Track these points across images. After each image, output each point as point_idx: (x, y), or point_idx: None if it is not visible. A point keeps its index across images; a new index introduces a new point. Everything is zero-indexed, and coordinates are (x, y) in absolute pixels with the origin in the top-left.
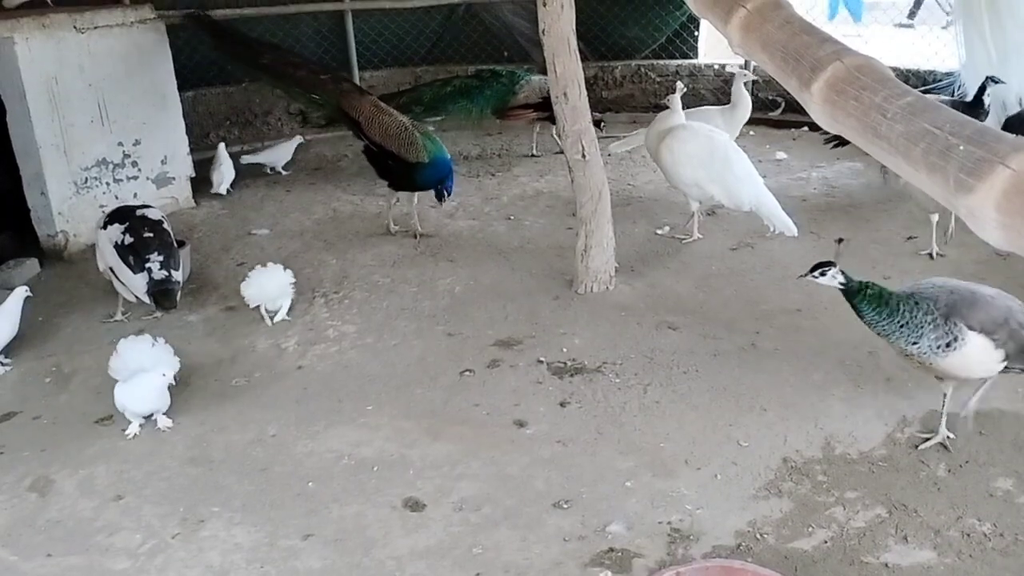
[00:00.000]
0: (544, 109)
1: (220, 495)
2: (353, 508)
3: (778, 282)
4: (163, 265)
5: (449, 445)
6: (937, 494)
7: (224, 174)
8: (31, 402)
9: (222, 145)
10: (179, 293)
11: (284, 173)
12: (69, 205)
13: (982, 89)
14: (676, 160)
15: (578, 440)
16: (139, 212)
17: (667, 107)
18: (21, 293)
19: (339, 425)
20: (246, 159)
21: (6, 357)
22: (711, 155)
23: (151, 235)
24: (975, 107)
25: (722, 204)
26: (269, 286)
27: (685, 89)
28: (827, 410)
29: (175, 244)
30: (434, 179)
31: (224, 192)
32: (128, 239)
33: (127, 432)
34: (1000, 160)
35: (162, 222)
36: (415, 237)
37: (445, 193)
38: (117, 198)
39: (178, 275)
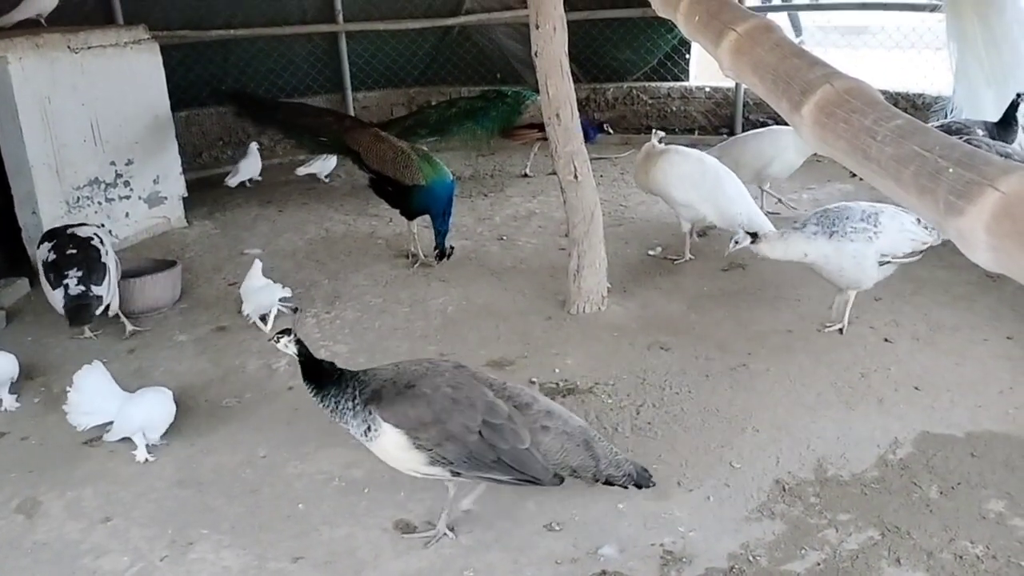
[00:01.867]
0: None
1: (209, 517)
2: (343, 530)
3: (769, 303)
4: (81, 281)
5: None
6: (929, 516)
7: (240, 169)
8: (19, 423)
9: (254, 144)
10: (98, 310)
11: (327, 181)
12: (60, 224)
13: (1013, 107)
14: (669, 182)
15: None
16: (70, 230)
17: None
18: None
19: (330, 446)
20: (300, 171)
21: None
22: (702, 176)
23: (74, 252)
24: (1005, 125)
25: (714, 224)
26: (259, 296)
27: (663, 135)
28: (819, 431)
29: (102, 260)
30: (433, 202)
31: (233, 185)
32: (52, 256)
33: (140, 457)
34: (989, 183)
35: (91, 239)
36: (408, 257)
37: (443, 243)
38: (108, 217)
39: (100, 291)
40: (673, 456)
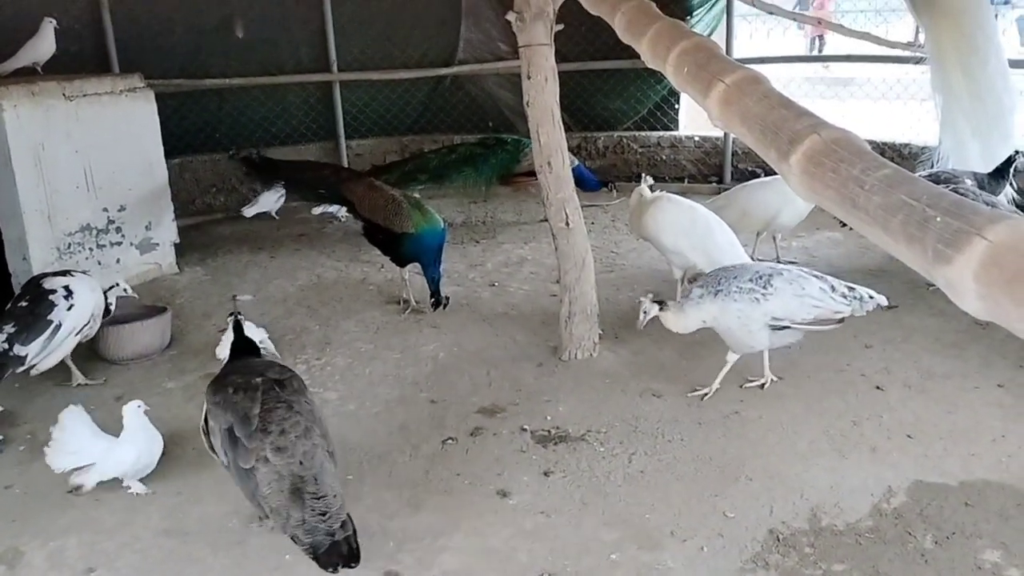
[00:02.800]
0: None
1: (194, 569)
2: None
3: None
4: (9, 338)
5: (431, 516)
6: (924, 567)
7: (260, 201)
8: (3, 471)
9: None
10: (19, 369)
11: (276, 218)
12: (51, 271)
13: (1009, 162)
14: (659, 229)
15: (562, 511)
16: (42, 280)
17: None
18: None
19: None
20: (247, 211)
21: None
22: (693, 224)
23: (25, 304)
24: (997, 177)
25: (705, 272)
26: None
27: (652, 181)
28: (812, 480)
29: (48, 318)
30: (423, 250)
31: (249, 215)
32: (8, 306)
33: (138, 491)
34: (977, 232)
35: (53, 291)
36: (399, 303)
37: (438, 290)
38: (100, 264)
39: (25, 351)
40: (666, 505)
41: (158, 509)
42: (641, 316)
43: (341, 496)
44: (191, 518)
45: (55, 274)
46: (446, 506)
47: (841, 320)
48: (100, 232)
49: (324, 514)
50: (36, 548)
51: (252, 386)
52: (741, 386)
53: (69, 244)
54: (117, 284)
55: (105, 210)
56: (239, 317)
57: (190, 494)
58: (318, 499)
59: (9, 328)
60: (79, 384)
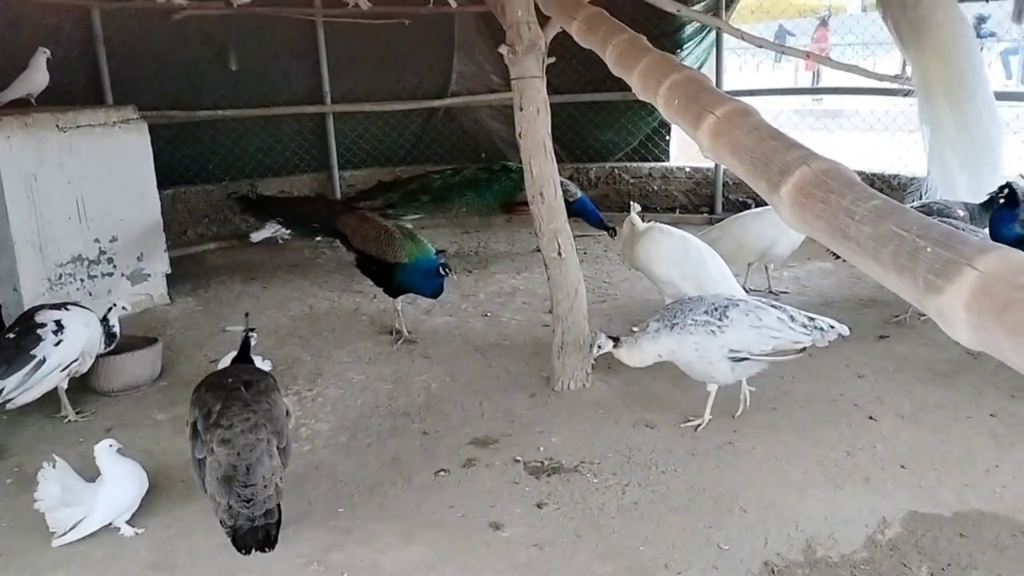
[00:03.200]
0: None
1: None
2: None
3: (753, 380)
4: None
5: (423, 549)
6: None
7: (266, 227)
8: None
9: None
10: None
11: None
12: (41, 302)
13: (1001, 189)
14: (651, 259)
15: (555, 543)
16: (36, 312)
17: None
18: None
19: (309, 528)
20: (255, 237)
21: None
22: (685, 254)
23: (12, 336)
24: (988, 208)
25: None
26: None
27: (640, 209)
28: (807, 511)
29: (31, 352)
30: (416, 280)
31: (256, 240)
32: None
33: (127, 534)
34: (967, 262)
35: (43, 325)
36: (392, 334)
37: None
38: (91, 295)
39: (2, 383)
40: (660, 537)
41: (147, 543)
42: (594, 350)
43: (274, 487)
44: (180, 552)
45: (52, 307)
46: (438, 539)
47: (802, 350)
48: (91, 263)
49: (249, 501)
50: None
51: (222, 386)
52: (734, 416)
53: (60, 275)
54: (115, 304)
55: (97, 241)
56: (251, 334)
57: (179, 527)
58: (246, 487)
59: None
60: (68, 420)
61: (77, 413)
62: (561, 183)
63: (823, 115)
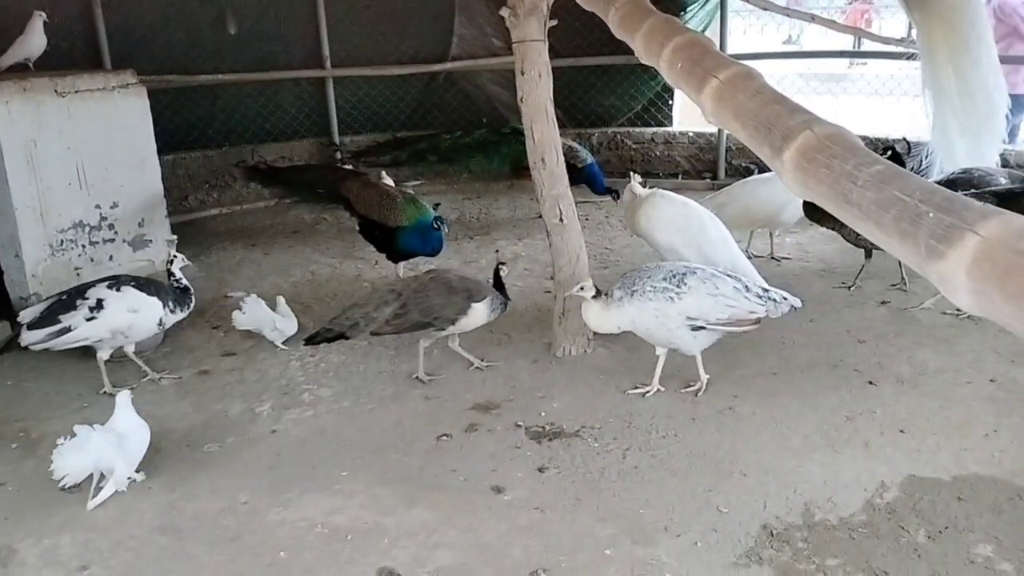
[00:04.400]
0: None
1: (189, 566)
2: None
3: (754, 346)
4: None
5: (425, 512)
6: (918, 561)
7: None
8: None
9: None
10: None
11: None
12: (43, 268)
13: None
14: (652, 226)
15: (556, 507)
16: (92, 285)
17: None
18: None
19: (313, 492)
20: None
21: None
22: (687, 221)
23: (62, 298)
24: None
25: None
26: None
27: (641, 180)
28: (806, 475)
29: (59, 318)
30: (417, 242)
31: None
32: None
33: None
34: (969, 227)
35: (84, 299)
36: None
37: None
38: (92, 260)
39: (28, 335)
40: (660, 501)
41: (152, 506)
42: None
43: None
44: (185, 515)
45: (110, 284)
46: (440, 502)
47: (757, 321)
48: (93, 229)
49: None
50: (30, 546)
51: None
52: (695, 396)
53: (62, 241)
54: (176, 257)
55: (98, 207)
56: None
57: (183, 491)
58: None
59: (38, 310)
60: (159, 379)
61: (161, 372)
62: (571, 147)
63: (827, 79)
